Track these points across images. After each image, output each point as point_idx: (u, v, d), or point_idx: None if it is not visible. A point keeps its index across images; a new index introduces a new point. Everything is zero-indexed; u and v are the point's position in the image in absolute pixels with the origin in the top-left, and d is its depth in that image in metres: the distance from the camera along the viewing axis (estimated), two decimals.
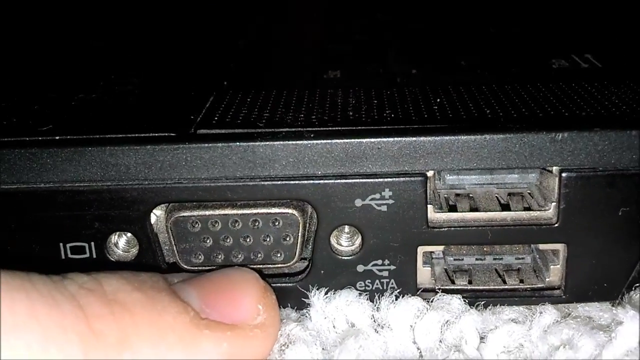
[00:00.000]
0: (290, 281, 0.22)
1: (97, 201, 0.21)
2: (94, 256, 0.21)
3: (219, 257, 0.21)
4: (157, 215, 0.21)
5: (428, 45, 0.32)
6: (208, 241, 0.21)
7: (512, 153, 0.20)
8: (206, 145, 0.20)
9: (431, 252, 0.22)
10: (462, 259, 0.22)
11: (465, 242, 0.21)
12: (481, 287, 0.22)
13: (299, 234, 0.21)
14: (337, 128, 0.21)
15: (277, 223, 0.21)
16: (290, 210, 0.21)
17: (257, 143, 0.20)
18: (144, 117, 0.22)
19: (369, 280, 0.21)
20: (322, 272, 0.22)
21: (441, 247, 0.22)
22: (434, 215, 0.21)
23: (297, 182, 0.21)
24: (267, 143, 0.20)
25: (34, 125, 0.21)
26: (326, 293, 0.21)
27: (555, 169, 0.20)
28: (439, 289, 0.22)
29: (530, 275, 0.22)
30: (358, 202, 0.20)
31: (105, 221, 0.21)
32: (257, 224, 0.21)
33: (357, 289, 0.22)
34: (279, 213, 0.21)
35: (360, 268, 0.21)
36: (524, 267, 0.22)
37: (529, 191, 0.22)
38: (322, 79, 0.26)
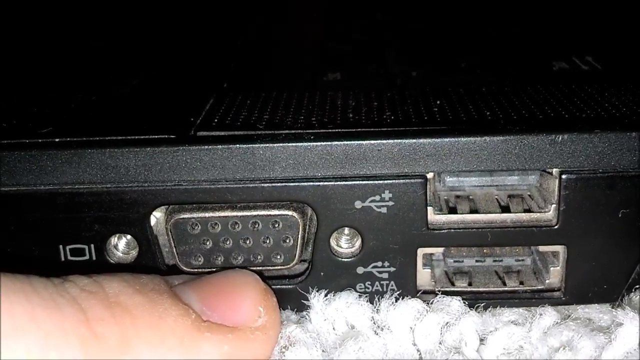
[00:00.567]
0: (290, 283, 0.22)
1: (96, 203, 0.21)
2: (94, 258, 0.21)
3: (219, 259, 0.21)
4: (157, 217, 0.21)
5: (428, 46, 0.32)
6: (208, 243, 0.21)
7: (512, 155, 0.20)
8: (205, 147, 0.20)
9: (431, 254, 0.22)
10: (462, 261, 0.22)
11: (465, 243, 0.21)
12: (481, 289, 0.22)
13: (299, 236, 0.21)
14: (336, 130, 0.21)
15: (277, 225, 0.21)
16: (290, 212, 0.21)
17: (256, 145, 0.20)
18: (143, 119, 0.22)
19: (369, 282, 0.21)
20: (321, 274, 0.22)
21: (441, 249, 0.22)
22: (434, 217, 0.21)
23: (296, 184, 0.20)
24: (267, 145, 0.20)
25: (33, 127, 0.21)
26: (326, 295, 0.21)
27: (555, 170, 0.20)
28: (439, 290, 0.22)
29: (530, 277, 0.22)
30: (358, 204, 0.20)
31: (105, 223, 0.21)
32: (256, 226, 0.21)
33: (357, 291, 0.22)
34: (278, 215, 0.21)
35: (360, 270, 0.21)
36: (523, 269, 0.22)
37: (529, 193, 0.22)
38: (322, 80, 0.26)
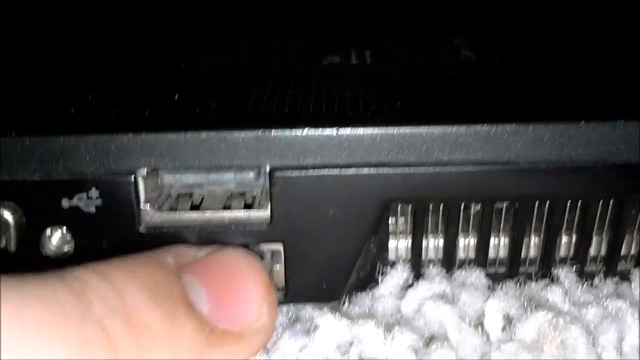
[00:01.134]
0: None
1: None
2: None
3: None
4: None
5: None
6: None
7: (222, 152, 0.20)
8: None
9: None
10: None
11: (181, 241, 0.20)
12: None
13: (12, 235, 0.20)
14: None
15: None
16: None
17: None
18: None
19: None
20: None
21: None
22: (150, 215, 0.20)
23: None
24: None
25: None
26: None
27: (266, 168, 0.20)
28: None
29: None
30: (65, 203, 0.20)
31: None
32: None
33: None
34: None
35: None
36: None
37: (254, 192, 0.21)
38: None
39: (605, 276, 0.22)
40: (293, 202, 0.20)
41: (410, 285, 0.21)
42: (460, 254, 0.23)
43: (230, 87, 0.23)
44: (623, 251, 0.23)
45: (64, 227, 0.20)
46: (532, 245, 0.23)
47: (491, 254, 0.23)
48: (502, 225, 0.22)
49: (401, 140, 0.20)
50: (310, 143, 0.20)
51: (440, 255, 0.22)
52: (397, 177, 0.20)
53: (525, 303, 0.20)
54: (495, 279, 0.22)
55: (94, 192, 0.20)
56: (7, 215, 0.20)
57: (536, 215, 0.22)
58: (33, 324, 0.14)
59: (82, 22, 0.36)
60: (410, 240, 0.22)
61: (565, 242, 0.22)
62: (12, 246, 0.20)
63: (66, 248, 0.20)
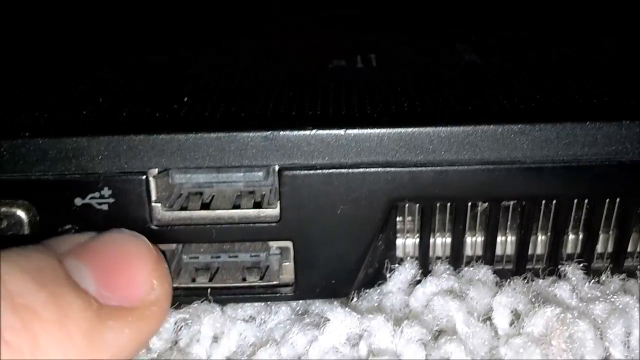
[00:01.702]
0: None
1: None
2: None
3: None
4: None
5: None
6: None
7: (233, 152, 0.20)
8: None
9: (172, 250, 0.22)
10: (198, 257, 0.22)
11: (192, 240, 0.21)
12: (220, 285, 0.22)
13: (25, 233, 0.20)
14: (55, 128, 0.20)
15: (2, 222, 0.20)
16: (13, 210, 0.20)
17: None
18: None
19: None
20: None
21: (173, 245, 0.21)
22: (161, 213, 0.21)
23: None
24: None
25: None
26: None
27: (276, 167, 0.21)
28: (176, 287, 0.22)
29: (271, 273, 0.22)
30: (78, 201, 0.20)
31: None
32: None
33: None
34: (2, 212, 0.20)
35: None
36: (264, 265, 0.22)
37: (263, 191, 0.22)
38: None
39: (612, 273, 0.22)
40: (302, 200, 0.21)
41: (418, 282, 0.22)
42: (468, 252, 0.23)
43: (238, 90, 0.24)
44: (629, 248, 0.23)
45: (77, 226, 0.20)
46: (539, 242, 0.23)
47: (498, 251, 0.23)
48: (509, 223, 0.23)
49: (408, 140, 0.20)
50: (319, 143, 0.20)
51: (448, 252, 0.23)
52: (405, 177, 0.21)
53: (533, 299, 0.21)
54: (503, 276, 0.22)
55: (106, 192, 0.20)
56: (21, 214, 0.20)
57: (543, 213, 0.22)
58: None
59: (93, 26, 0.36)
60: (417, 238, 0.22)
61: (572, 240, 0.23)
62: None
63: None
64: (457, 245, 0.23)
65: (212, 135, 0.20)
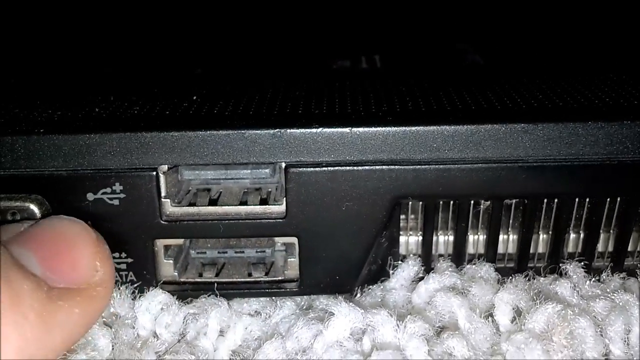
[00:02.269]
0: None
1: None
2: None
3: None
4: None
5: None
6: None
7: (239, 149, 0.20)
8: None
9: (175, 245, 0.22)
10: (205, 253, 0.23)
11: (200, 235, 0.22)
12: (226, 280, 0.22)
13: None
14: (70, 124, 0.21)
15: (16, 216, 0.21)
16: (27, 204, 0.21)
17: None
18: None
19: None
20: None
21: (182, 241, 0.22)
22: (170, 209, 0.21)
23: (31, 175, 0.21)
24: None
25: None
26: None
27: (282, 164, 0.21)
28: (184, 282, 0.22)
29: (277, 268, 0.23)
30: (90, 196, 0.21)
31: None
32: None
33: None
34: (16, 206, 0.21)
35: None
36: (269, 260, 0.23)
37: (270, 187, 0.22)
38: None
39: (613, 272, 0.23)
40: (307, 197, 0.21)
41: (421, 279, 0.22)
42: (470, 250, 0.23)
43: (245, 89, 0.24)
44: (630, 247, 0.23)
45: (89, 220, 0.21)
46: (541, 241, 0.23)
47: (500, 249, 0.23)
48: (511, 222, 0.23)
49: (413, 138, 0.21)
50: (325, 141, 0.21)
51: (450, 250, 0.23)
52: (409, 174, 0.21)
53: (534, 296, 0.21)
54: (505, 274, 0.23)
55: (117, 187, 0.21)
56: (34, 208, 0.21)
57: (545, 211, 0.23)
58: None
59: (106, 26, 0.37)
60: (420, 236, 0.23)
61: (573, 239, 0.23)
62: None
63: None
64: (460, 243, 0.23)
65: (221, 132, 0.21)
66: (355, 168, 0.21)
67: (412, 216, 0.23)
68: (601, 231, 0.23)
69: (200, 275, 0.22)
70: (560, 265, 0.23)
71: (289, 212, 0.21)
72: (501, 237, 0.23)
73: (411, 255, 0.23)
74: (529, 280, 0.22)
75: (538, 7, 0.39)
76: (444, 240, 0.23)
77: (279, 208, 0.21)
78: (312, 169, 0.21)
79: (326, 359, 0.20)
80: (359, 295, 0.22)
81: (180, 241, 0.22)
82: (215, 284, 0.22)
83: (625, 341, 0.20)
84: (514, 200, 0.22)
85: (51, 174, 0.21)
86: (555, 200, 0.22)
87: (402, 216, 0.23)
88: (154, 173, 0.21)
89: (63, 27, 0.37)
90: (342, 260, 0.22)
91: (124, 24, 0.38)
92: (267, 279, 0.22)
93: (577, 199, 0.22)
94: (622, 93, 0.23)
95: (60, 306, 0.18)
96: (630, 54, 0.30)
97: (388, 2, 0.42)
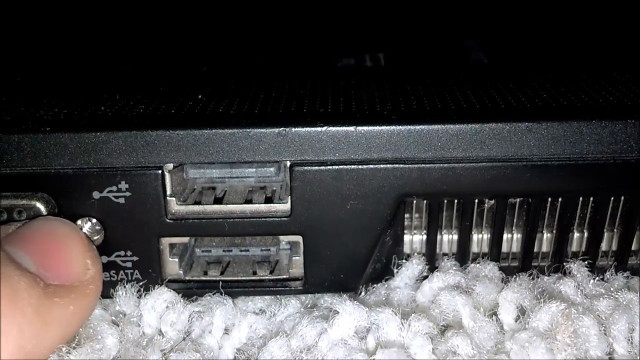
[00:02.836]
0: None
1: None
2: None
3: None
4: None
5: None
6: None
7: (245, 147, 0.20)
8: None
9: (181, 243, 0.22)
10: (210, 251, 0.23)
11: (205, 233, 0.22)
12: (231, 278, 0.23)
13: None
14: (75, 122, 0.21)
15: (22, 214, 0.21)
16: (33, 202, 0.21)
17: None
18: None
19: (114, 271, 0.22)
20: None
21: (187, 239, 0.22)
22: (176, 207, 0.21)
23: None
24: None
25: None
26: None
27: (287, 163, 0.21)
28: (189, 280, 0.22)
29: (281, 267, 0.23)
30: (96, 195, 0.21)
31: None
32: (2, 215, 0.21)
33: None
34: (22, 204, 0.21)
35: (104, 259, 0.21)
36: (274, 259, 0.23)
37: (274, 186, 0.22)
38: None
39: (616, 271, 0.23)
40: (312, 196, 0.21)
41: (425, 277, 0.22)
42: (474, 248, 0.23)
43: (250, 87, 0.24)
44: (633, 246, 0.23)
45: (95, 218, 0.21)
46: (545, 240, 0.23)
47: (504, 248, 0.23)
48: (515, 221, 0.23)
49: (417, 137, 0.21)
50: (330, 140, 0.21)
51: (455, 249, 0.23)
52: (413, 173, 0.21)
53: (538, 295, 0.21)
54: (509, 273, 0.23)
55: (123, 185, 0.21)
56: (40, 206, 0.21)
57: (549, 210, 0.23)
58: None
59: (112, 26, 0.37)
60: (425, 235, 0.23)
61: (577, 238, 0.23)
62: None
63: (96, 238, 0.21)
64: (464, 242, 0.23)
65: (226, 131, 0.21)
66: (359, 167, 0.21)
67: (417, 215, 0.23)
68: (605, 230, 0.23)
69: (205, 274, 0.23)
70: (564, 264, 0.23)
71: (294, 210, 0.21)
72: (505, 236, 0.23)
73: (415, 254, 0.23)
74: (533, 279, 0.22)
75: (542, 6, 0.39)
76: (448, 239, 0.23)
77: (284, 206, 0.21)
78: (317, 167, 0.21)
79: (331, 357, 0.20)
80: (363, 293, 0.22)
81: (185, 239, 0.22)
82: (220, 282, 0.22)
83: (629, 340, 0.20)
84: (518, 199, 0.22)
85: (57, 172, 0.21)
86: (559, 199, 0.22)
87: (407, 215, 0.23)
88: (160, 171, 0.21)
89: (69, 26, 0.37)
90: (347, 258, 0.22)
91: (130, 22, 0.38)
92: (272, 277, 0.22)
93: (581, 198, 0.22)
94: (626, 92, 0.23)
95: (56, 303, 0.18)
96: (635, 53, 0.30)
97: (391, 1, 0.42)
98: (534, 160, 0.21)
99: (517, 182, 0.21)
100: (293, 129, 0.21)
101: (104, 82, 0.25)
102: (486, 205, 0.22)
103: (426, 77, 0.25)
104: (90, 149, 0.20)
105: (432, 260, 0.23)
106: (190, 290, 0.22)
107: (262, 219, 0.21)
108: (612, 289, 0.22)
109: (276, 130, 0.21)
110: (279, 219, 0.21)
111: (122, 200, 0.21)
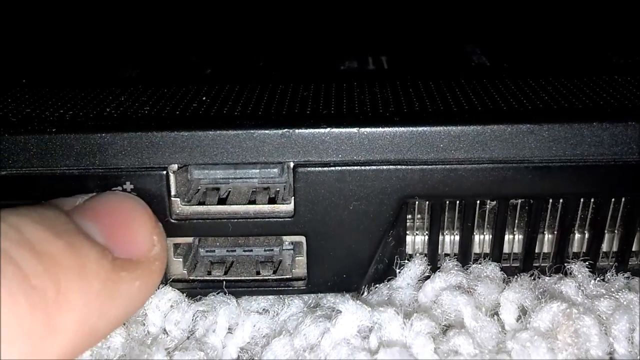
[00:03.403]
0: None
1: None
2: None
3: None
4: None
5: None
6: None
7: (248, 149, 0.21)
8: None
9: (185, 243, 0.23)
10: (214, 251, 0.23)
11: (209, 234, 0.22)
12: (235, 278, 0.23)
13: None
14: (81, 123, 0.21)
15: None
16: None
17: None
18: None
19: None
20: None
21: (190, 239, 0.22)
22: (180, 207, 0.22)
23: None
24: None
25: None
26: None
27: (290, 164, 0.21)
28: (193, 279, 0.23)
29: (285, 267, 0.23)
30: None
31: None
32: None
33: None
34: None
35: None
36: (277, 259, 0.23)
37: (278, 187, 0.23)
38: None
39: (617, 271, 0.23)
40: (315, 197, 0.21)
41: (427, 278, 0.22)
42: (476, 249, 0.23)
43: (254, 89, 0.24)
44: (634, 248, 0.23)
45: None
46: (546, 241, 0.23)
47: (506, 249, 0.23)
48: (516, 222, 0.23)
49: (419, 138, 0.21)
50: (333, 141, 0.21)
51: (457, 250, 0.23)
52: (415, 174, 0.21)
53: (540, 295, 0.21)
54: (510, 273, 0.23)
55: (128, 186, 0.21)
56: None
57: (550, 212, 0.23)
58: None
59: (116, 28, 0.37)
60: (427, 235, 0.23)
61: (578, 239, 0.23)
62: None
63: None
64: (466, 243, 0.23)
65: (230, 132, 0.21)
66: (362, 168, 0.21)
67: (419, 216, 0.23)
68: (606, 231, 0.23)
69: (209, 274, 0.23)
70: (565, 264, 0.23)
71: (297, 211, 0.22)
72: (507, 236, 0.23)
73: (417, 254, 0.23)
74: (534, 279, 0.22)
75: (543, 9, 0.39)
76: (450, 239, 0.23)
77: (287, 207, 0.22)
78: (320, 168, 0.21)
79: (333, 356, 0.20)
80: (366, 293, 0.22)
81: (189, 239, 0.22)
82: (224, 282, 0.23)
83: (629, 340, 0.20)
84: (519, 200, 0.23)
85: (63, 172, 0.21)
86: (561, 200, 0.22)
87: (409, 216, 0.23)
88: (164, 172, 0.21)
89: (74, 28, 0.37)
90: (350, 259, 0.22)
91: (135, 24, 0.38)
92: (275, 277, 0.23)
93: (582, 199, 0.22)
94: (627, 94, 0.23)
95: (122, 277, 0.18)
96: (635, 55, 0.30)
97: (395, 4, 0.42)
98: (535, 162, 0.21)
99: (519, 183, 0.21)
100: (296, 131, 0.21)
101: (109, 84, 0.25)
102: (488, 206, 0.23)
103: (428, 80, 0.25)
104: (95, 150, 0.21)
105: (434, 261, 0.23)
106: (194, 289, 0.22)
107: (266, 220, 0.22)
108: (612, 290, 0.22)
109: (280, 131, 0.21)
110: (282, 219, 0.22)
111: None
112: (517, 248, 0.23)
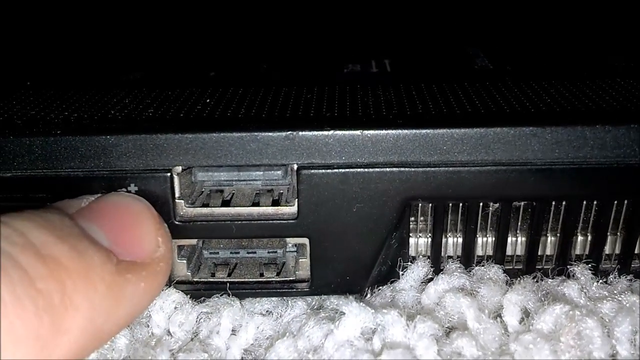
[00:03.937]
0: None
1: None
2: None
3: None
4: None
5: None
6: None
7: (253, 151, 0.21)
8: None
9: (189, 245, 0.23)
10: (218, 253, 0.23)
11: (213, 235, 0.22)
12: (239, 280, 0.23)
13: None
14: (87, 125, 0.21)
15: None
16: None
17: None
18: None
19: None
20: None
21: (194, 241, 0.22)
22: (184, 209, 0.22)
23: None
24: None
25: None
26: None
27: (294, 166, 0.21)
28: (197, 281, 0.23)
29: (288, 269, 0.23)
30: None
31: None
32: None
33: None
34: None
35: None
36: (280, 261, 0.23)
37: (281, 189, 0.23)
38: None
39: (620, 274, 0.23)
40: (319, 199, 0.21)
41: (430, 280, 0.22)
42: (479, 251, 0.23)
43: (258, 92, 0.24)
44: (637, 250, 0.23)
45: None
46: (549, 243, 0.23)
47: (509, 251, 0.23)
48: (519, 224, 0.23)
49: (423, 141, 0.21)
50: (336, 143, 0.21)
51: (460, 252, 0.23)
52: (419, 177, 0.21)
53: (542, 297, 0.21)
54: (513, 275, 0.23)
55: (132, 188, 0.21)
56: None
57: (553, 214, 0.23)
58: None
59: (122, 31, 0.37)
60: (430, 238, 0.23)
61: (581, 241, 0.23)
62: None
63: None
64: (469, 245, 0.23)
65: (234, 134, 0.21)
66: (366, 170, 0.21)
67: (422, 218, 0.23)
68: (608, 234, 0.23)
69: (213, 275, 0.23)
70: (568, 267, 0.23)
71: (301, 213, 0.22)
72: (510, 239, 0.23)
73: (421, 256, 0.23)
74: (537, 281, 0.22)
75: (546, 12, 0.40)
76: (453, 242, 0.23)
77: (291, 209, 0.22)
78: (323, 170, 0.21)
79: (337, 357, 0.20)
80: (369, 295, 0.23)
81: (193, 241, 0.22)
82: (228, 284, 0.23)
83: (632, 342, 0.20)
84: (522, 203, 0.23)
85: (68, 174, 0.21)
86: (563, 202, 0.22)
87: (412, 218, 0.23)
88: (168, 174, 0.21)
89: (79, 30, 0.37)
90: (353, 261, 0.22)
91: (140, 27, 0.38)
92: (279, 279, 0.23)
93: (584, 202, 0.22)
94: (630, 97, 0.23)
95: (128, 279, 0.18)
96: (638, 58, 0.30)
97: (398, 7, 0.42)
98: (538, 165, 0.21)
99: (522, 185, 0.21)
100: (300, 133, 0.21)
101: (114, 86, 0.25)
102: (491, 208, 0.23)
103: (431, 83, 0.25)
104: (100, 152, 0.21)
105: (437, 263, 0.23)
106: (198, 291, 0.23)
107: (269, 222, 0.22)
108: (615, 292, 0.22)
109: (283, 134, 0.21)
110: (285, 221, 0.22)
111: None
112: (519, 250, 0.23)
